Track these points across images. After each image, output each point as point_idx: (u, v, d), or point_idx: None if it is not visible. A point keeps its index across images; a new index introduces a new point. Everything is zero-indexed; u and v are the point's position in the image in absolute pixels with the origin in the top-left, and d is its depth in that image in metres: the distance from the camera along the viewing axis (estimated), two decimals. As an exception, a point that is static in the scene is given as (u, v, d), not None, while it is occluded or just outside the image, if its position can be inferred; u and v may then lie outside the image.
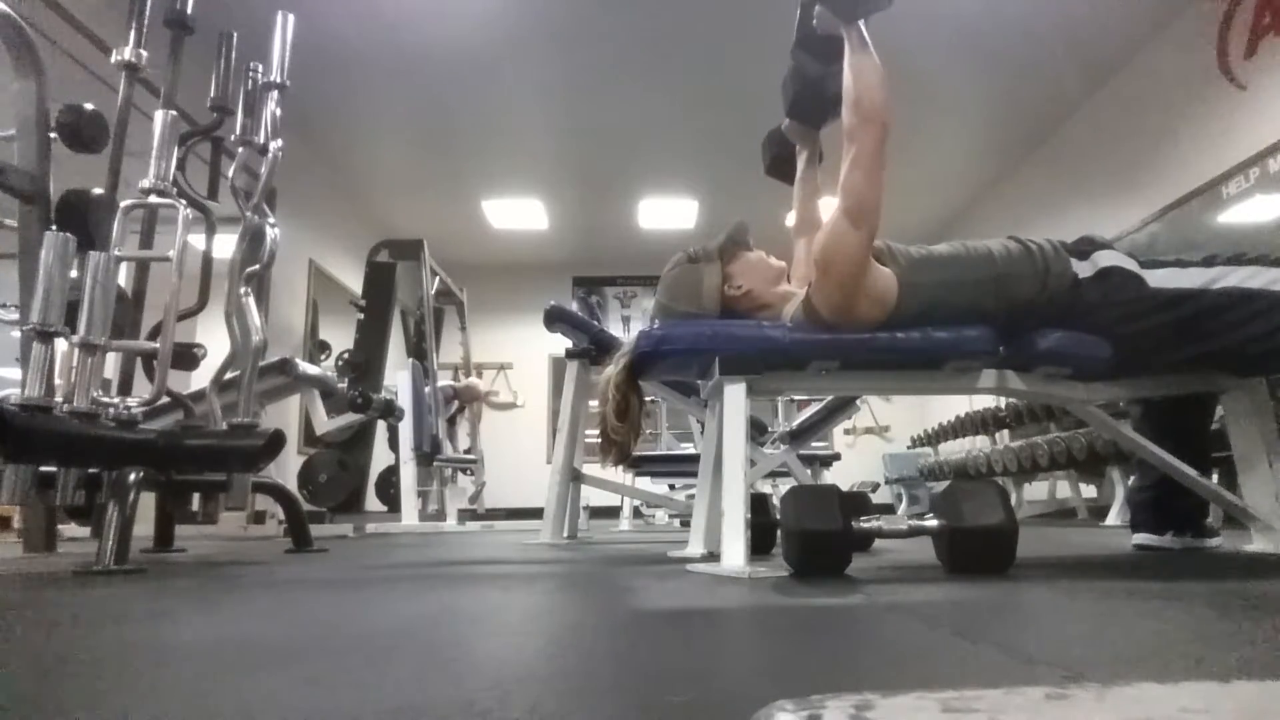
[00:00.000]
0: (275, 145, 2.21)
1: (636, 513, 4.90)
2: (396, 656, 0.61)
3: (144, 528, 1.95)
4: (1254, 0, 3.72)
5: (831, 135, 1.59)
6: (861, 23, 1.33)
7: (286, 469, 4.41)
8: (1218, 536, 1.72)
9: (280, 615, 0.92)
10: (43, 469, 1.58)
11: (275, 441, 1.84)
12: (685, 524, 4.03)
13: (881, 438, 7.99)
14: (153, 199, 1.83)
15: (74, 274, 1.59)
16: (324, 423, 3.95)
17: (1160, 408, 1.71)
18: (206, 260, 2.13)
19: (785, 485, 3.74)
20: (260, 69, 2.20)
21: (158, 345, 1.78)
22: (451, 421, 5.63)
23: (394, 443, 4.81)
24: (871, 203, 1.31)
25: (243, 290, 2.07)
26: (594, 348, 2.56)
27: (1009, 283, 1.37)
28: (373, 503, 5.04)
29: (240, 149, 2.15)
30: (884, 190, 1.31)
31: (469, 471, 5.38)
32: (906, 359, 1.40)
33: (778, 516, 1.45)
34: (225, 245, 2.09)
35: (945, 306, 1.36)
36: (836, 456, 3.69)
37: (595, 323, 2.74)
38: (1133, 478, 1.98)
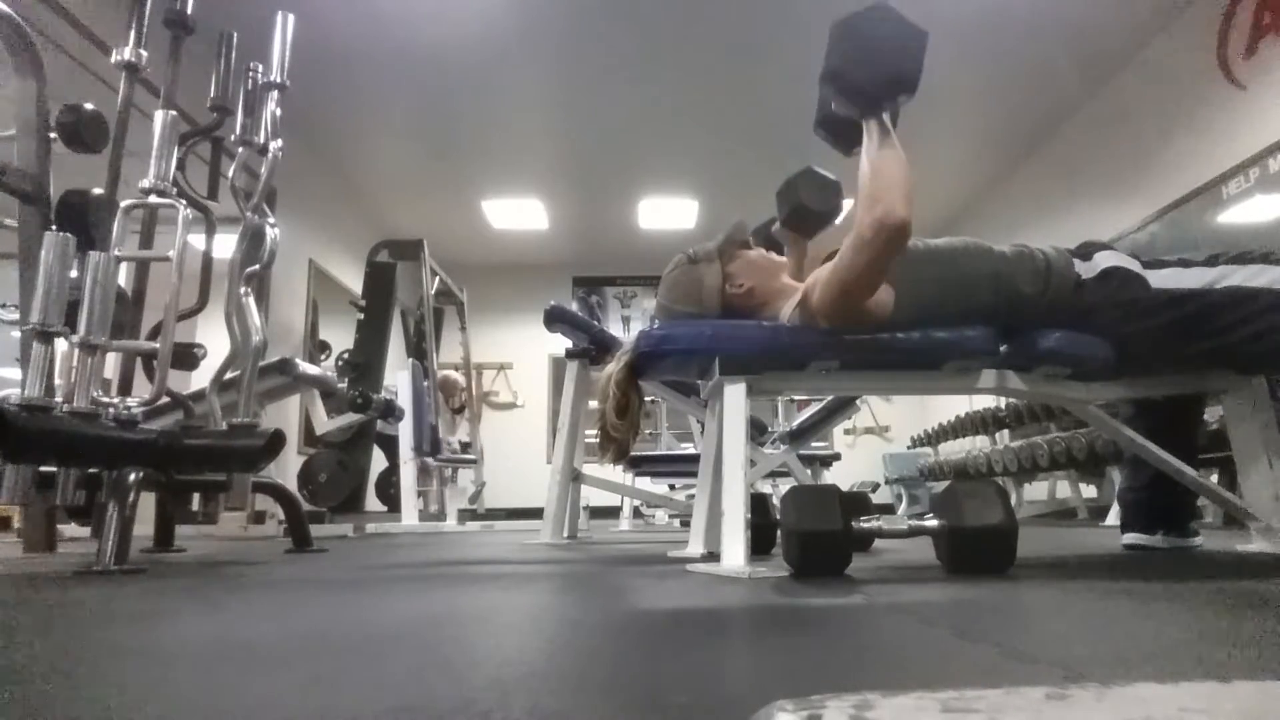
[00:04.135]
0: (275, 145, 2.21)
1: (636, 513, 4.90)
2: (396, 656, 0.61)
3: (144, 528, 1.94)
4: (1254, 0, 3.72)
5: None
6: (885, 115, 1.24)
7: (286, 469, 4.41)
8: (1199, 536, 1.72)
9: (280, 615, 0.92)
10: (43, 469, 1.59)
11: (275, 441, 1.84)
12: (685, 524, 4.03)
13: (881, 438, 7.99)
14: (153, 199, 1.83)
15: (74, 274, 1.59)
16: (324, 423, 3.95)
17: (1153, 407, 1.71)
18: (206, 260, 2.13)
19: (785, 485, 3.74)
20: (260, 69, 2.20)
21: (158, 345, 1.78)
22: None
23: (384, 445, 4.81)
24: (857, 299, 1.29)
25: (243, 290, 2.07)
26: (594, 348, 2.56)
27: (1011, 279, 1.37)
28: (373, 503, 5.04)
29: (240, 149, 2.15)
30: (876, 289, 1.28)
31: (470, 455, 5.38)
32: (906, 359, 1.40)
33: (778, 516, 1.44)
34: (225, 245, 2.09)
35: (945, 303, 1.36)
36: (836, 456, 3.69)
37: (595, 323, 2.74)
38: (1121, 477, 1.99)
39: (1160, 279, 1.38)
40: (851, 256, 1.24)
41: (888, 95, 1.22)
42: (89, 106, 1.96)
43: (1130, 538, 1.75)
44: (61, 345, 1.60)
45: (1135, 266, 1.40)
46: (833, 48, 1.22)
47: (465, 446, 5.52)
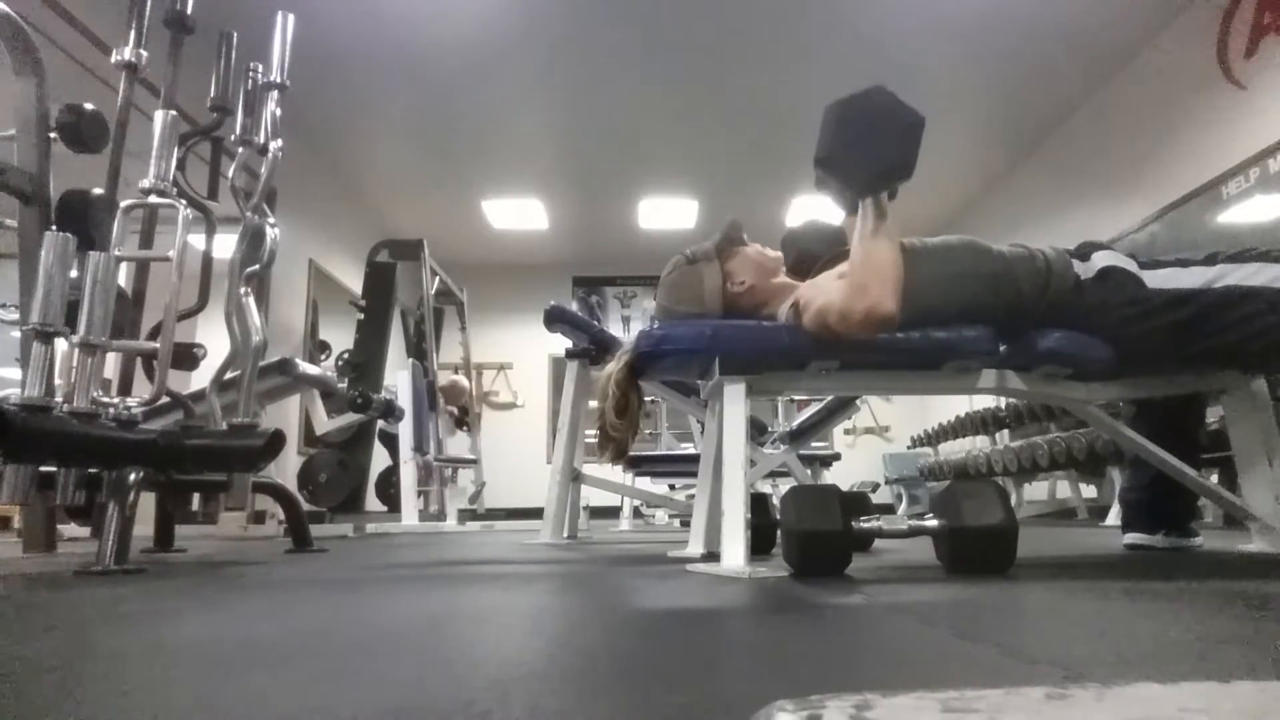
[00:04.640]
0: (275, 145, 2.21)
1: (636, 513, 4.90)
2: (396, 656, 0.61)
3: (144, 528, 1.95)
4: (1254, 0, 3.72)
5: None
6: (884, 195, 1.25)
7: (286, 469, 4.41)
8: (1199, 536, 1.73)
9: (280, 615, 0.92)
10: (43, 469, 1.58)
11: (275, 441, 1.84)
12: (685, 524, 4.03)
13: (881, 438, 7.99)
14: (153, 199, 1.83)
15: (74, 274, 1.58)
16: (324, 423, 3.95)
17: (1154, 407, 1.72)
18: (206, 260, 2.13)
19: (785, 485, 3.74)
20: (260, 69, 2.20)
21: (158, 345, 1.78)
22: (461, 423, 5.67)
23: (386, 442, 4.82)
24: (844, 336, 1.29)
25: (243, 290, 2.07)
26: (594, 348, 2.56)
27: (1011, 280, 1.37)
28: (373, 503, 5.04)
29: (240, 149, 2.15)
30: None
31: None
32: (906, 359, 1.40)
33: (778, 516, 1.44)
34: (225, 245, 2.09)
35: (945, 303, 1.36)
36: (836, 456, 3.69)
37: (595, 323, 2.74)
38: (1122, 477, 1.99)
39: (1158, 279, 1.38)
40: (838, 317, 1.26)
41: (883, 181, 1.23)
42: (89, 106, 1.96)
43: (1131, 537, 1.75)
44: (61, 345, 1.60)
45: (1132, 266, 1.40)
46: (827, 132, 1.21)
47: (463, 415, 5.57)
